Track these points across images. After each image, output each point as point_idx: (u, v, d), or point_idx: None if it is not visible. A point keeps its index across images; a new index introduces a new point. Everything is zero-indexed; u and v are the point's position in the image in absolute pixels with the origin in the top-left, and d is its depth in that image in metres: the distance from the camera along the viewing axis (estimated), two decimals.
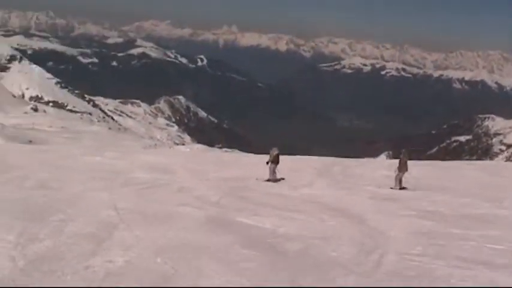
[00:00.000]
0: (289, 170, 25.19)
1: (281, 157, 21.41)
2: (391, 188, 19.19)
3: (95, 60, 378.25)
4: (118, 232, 10.32)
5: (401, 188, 19.23)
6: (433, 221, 12.62)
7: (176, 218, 11.94)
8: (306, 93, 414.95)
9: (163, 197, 15.51)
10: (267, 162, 21.01)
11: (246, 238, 10.29)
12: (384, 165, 28.13)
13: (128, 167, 23.84)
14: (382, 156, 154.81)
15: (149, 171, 22.59)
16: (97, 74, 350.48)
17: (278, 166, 21.16)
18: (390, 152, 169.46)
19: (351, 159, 34.95)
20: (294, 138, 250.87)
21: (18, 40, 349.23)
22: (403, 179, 19.64)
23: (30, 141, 68.34)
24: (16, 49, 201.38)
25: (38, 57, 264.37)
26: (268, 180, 20.62)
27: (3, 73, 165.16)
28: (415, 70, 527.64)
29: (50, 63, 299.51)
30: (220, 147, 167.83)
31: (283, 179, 21.05)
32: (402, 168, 19.50)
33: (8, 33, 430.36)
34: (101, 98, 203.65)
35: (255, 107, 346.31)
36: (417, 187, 19.90)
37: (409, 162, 20.24)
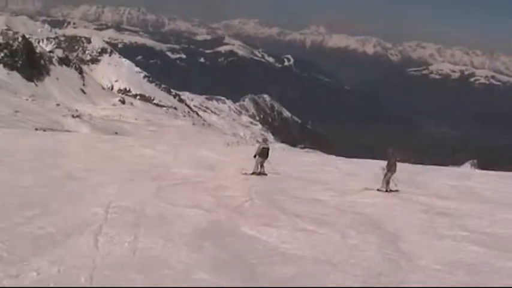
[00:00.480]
0: (346, 173, 23.37)
1: (346, 159, 19.65)
2: (378, 190, 18.02)
3: (183, 56, 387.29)
4: (79, 236, 8.45)
5: (389, 191, 17.97)
6: (486, 247, 9.92)
7: (172, 223, 10.12)
8: (392, 97, 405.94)
9: (183, 195, 13.86)
10: (254, 156, 20.71)
11: (230, 256, 8.23)
12: (452, 175, 25.43)
13: (175, 162, 23.03)
14: (467, 165, 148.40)
15: (194, 167, 21.59)
16: (184, 70, 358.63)
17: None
18: (475, 161, 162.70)
19: (419, 165, 32.18)
20: (378, 142, 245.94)
21: (109, 34, 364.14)
22: (391, 181, 18.27)
23: (116, 133, 69.93)
24: (107, 42, 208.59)
25: (128, 51, 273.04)
26: (253, 173, 20.34)
27: (94, 65, 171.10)
28: (505, 78, 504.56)
29: (139, 57, 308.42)
30: (303, 148, 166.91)
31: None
32: (391, 168, 18.25)
33: (101, 27, 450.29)
34: (187, 93, 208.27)
35: (341, 109, 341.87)
36: (484, 200, 17.47)
37: (489, 173, 17.73)
